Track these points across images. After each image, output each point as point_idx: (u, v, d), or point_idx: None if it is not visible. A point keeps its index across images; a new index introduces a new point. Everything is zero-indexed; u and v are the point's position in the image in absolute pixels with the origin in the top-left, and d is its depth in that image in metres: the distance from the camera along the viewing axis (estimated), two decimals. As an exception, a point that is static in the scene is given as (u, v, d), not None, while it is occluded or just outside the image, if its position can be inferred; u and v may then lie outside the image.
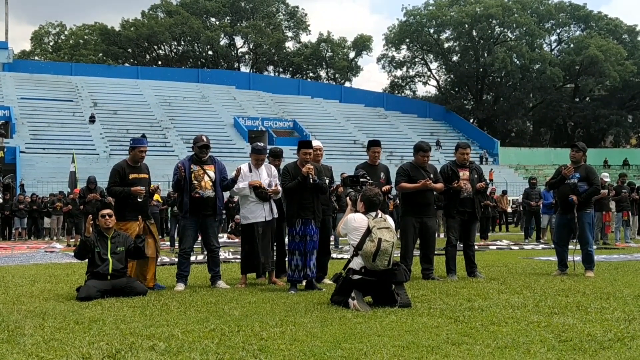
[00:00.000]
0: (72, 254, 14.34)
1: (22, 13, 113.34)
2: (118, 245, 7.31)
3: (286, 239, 8.88)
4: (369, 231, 6.17)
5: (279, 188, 8.11)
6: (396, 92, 73.42)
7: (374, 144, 8.69)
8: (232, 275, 9.11)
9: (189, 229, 7.98)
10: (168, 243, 17.48)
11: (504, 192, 26.84)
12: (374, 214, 6.39)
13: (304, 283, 7.63)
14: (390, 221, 6.46)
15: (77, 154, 37.00)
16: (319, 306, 6.21)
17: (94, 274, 7.15)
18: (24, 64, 59.25)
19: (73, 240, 18.04)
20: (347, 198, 7.02)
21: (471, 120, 67.47)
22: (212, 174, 7.99)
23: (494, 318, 5.50)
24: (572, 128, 71.25)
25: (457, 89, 73.22)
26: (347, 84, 73.36)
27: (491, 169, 49.38)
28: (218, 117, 53.37)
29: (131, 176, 7.74)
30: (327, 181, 8.05)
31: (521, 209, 26.80)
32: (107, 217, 7.35)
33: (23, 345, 4.59)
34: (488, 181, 47.70)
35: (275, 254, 8.52)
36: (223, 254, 12.07)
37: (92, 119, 47.34)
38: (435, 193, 8.83)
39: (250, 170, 8.21)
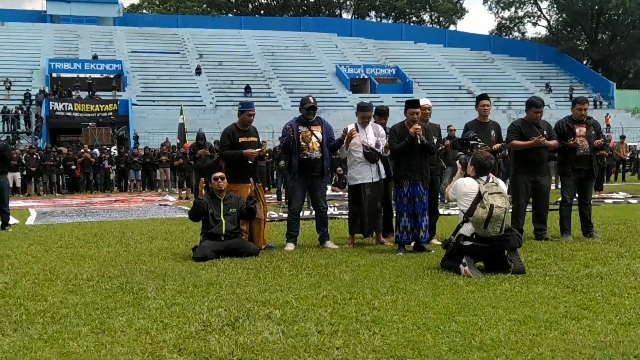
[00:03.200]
0: (185, 207, 14.94)
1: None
2: (230, 207, 7.51)
3: (393, 200, 8.87)
4: (480, 197, 6.01)
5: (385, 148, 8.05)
6: (504, 34, 70.61)
7: (483, 97, 8.40)
8: (339, 234, 9.16)
9: (297, 190, 8.09)
10: (275, 196, 17.81)
11: (622, 138, 25.36)
12: (484, 178, 6.21)
13: (412, 244, 7.59)
14: (502, 185, 6.26)
15: (185, 105, 38.19)
16: (429, 271, 6.16)
17: (208, 235, 7.41)
18: (133, 18, 61.13)
19: (185, 192, 18.75)
20: (457, 161, 6.86)
21: (584, 62, 64.11)
22: (319, 134, 8.01)
23: (614, 288, 5.27)
24: (697, 67, 66.38)
25: (569, 29, 69.47)
26: (451, 27, 71.29)
27: (607, 114, 47.00)
28: (320, 65, 53.32)
29: (240, 139, 7.88)
30: (435, 141, 7.90)
31: (639, 156, 25.42)
32: (219, 179, 7.54)
33: (147, 309, 4.83)
34: (604, 126, 45.44)
35: (382, 214, 8.48)
36: (329, 210, 12.18)
37: (198, 71, 48.50)
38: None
39: (357, 130, 8.15)
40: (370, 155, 8.01)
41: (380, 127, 8.32)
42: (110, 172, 25.95)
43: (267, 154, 8.60)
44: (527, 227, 8.53)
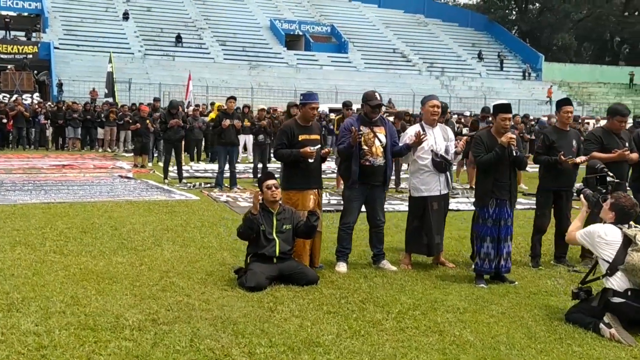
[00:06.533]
0: (151, 181, 13.38)
1: None
2: (284, 222, 6.20)
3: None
4: (629, 241, 4.99)
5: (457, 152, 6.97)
6: (436, -3, 70.17)
7: (565, 103, 7.33)
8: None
9: (354, 201, 6.81)
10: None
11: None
12: (626, 225, 5.17)
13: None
14: None
15: (113, 52, 35.47)
16: (563, 329, 5.05)
17: (258, 256, 6.09)
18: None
19: (141, 159, 17.01)
20: (583, 197, 5.73)
21: (513, 32, 64.60)
22: (383, 137, 6.74)
23: None
24: (618, 44, 68.29)
25: (500, -3, 69.88)
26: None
27: (551, 86, 47.72)
28: (253, 18, 51.13)
29: (301, 137, 6.50)
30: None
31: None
32: (272, 188, 6.19)
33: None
34: (547, 99, 45.69)
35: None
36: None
37: (125, 16, 45.42)
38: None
39: (424, 131, 6.93)
40: (441, 164, 6.85)
41: (449, 130, 7.15)
42: (46, 127, 23.36)
43: (330, 152, 7.28)
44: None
